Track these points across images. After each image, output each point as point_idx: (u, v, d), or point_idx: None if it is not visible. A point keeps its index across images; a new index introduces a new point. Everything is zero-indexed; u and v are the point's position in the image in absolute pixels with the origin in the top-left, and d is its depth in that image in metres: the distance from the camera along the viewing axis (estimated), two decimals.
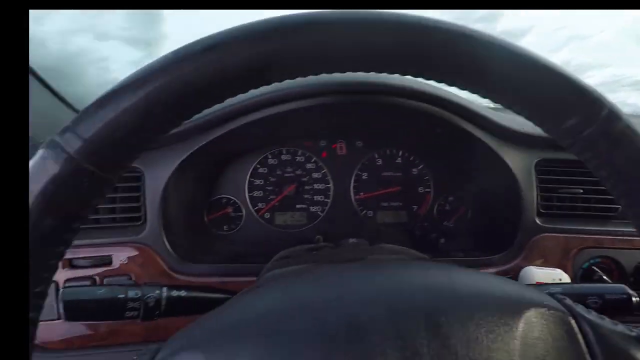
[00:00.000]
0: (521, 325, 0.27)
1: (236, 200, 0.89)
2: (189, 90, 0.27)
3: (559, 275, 0.76)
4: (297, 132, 0.86)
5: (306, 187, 0.91)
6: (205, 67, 0.27)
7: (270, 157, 0.89)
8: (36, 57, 0.70)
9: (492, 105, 0.95)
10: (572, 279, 0.78)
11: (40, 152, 0.26)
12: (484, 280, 0.32)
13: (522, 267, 0.78)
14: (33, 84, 0.74)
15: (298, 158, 0.90)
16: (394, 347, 0.25)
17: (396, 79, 0.66)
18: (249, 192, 0.89)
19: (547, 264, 0.79)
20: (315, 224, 0.92)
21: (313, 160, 0.91)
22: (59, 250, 0.29)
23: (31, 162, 0.27)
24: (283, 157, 0.90)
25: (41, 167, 0.26)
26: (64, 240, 0.29)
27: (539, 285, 0.65)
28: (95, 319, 0.47)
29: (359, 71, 0.29)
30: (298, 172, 0.90)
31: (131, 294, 0.49)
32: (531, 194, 0.78)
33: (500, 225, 0.85)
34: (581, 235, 0.78)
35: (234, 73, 0.27)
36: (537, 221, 0.78)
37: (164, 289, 0.51)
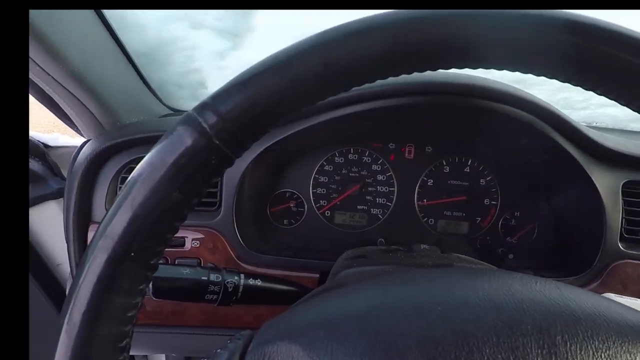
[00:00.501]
0: None
1: (299, 195, 0.89)
2: (329, 72, 0.27)
3: None
4: (367, 133, 0.85)
5: (369, 189, 0.90)
6: (350, 50, 0.27)
7: (337, 155, 0.89)
8: (134, 41, 0.74)
9: (582, 122, 0.90)
10: None
11: (177, 127, 0.27)
12: (600, 302, 0.30)
13: (598, 293, 0.73)
14: (127, 68, 0.78)
15: (365, 159, 0.89)
16: None
17: (487, 80, 0.63)
18: (312, 189, 0.89)
19: (626, 292, 0.73)
20: (375, 227, 0.91)
21: (380, 162, 0.89)
22: (176, 225, 0.30)
23: (167, 135, 0.28)
24: (350, 156, 0.89)
25: (177, 140, 0.27)
26: (182, 215, 0.30)
27: None
28: (178, 298, 0.49)
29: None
30: (363, 172, 0.90)
31: (213, 277, 0.50)
32: (616, 216, 0.72)
33: (575, 246, 0.80)
34: None
35: (379, 57, 0.27)
36: (620, 246, 0.73)
37: (242, 276, 0.52)
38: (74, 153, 0.72)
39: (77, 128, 0.77)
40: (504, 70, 0.30)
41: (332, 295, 0.35)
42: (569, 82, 0.30)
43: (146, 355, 1.24)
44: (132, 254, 0.28)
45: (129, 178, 0.28)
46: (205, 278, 0.49)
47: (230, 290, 0.51)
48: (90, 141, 0.70)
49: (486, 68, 0.30)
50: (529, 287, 0.30)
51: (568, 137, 0.68)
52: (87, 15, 0.66)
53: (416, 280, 0.33)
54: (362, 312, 0.29)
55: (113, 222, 0.27)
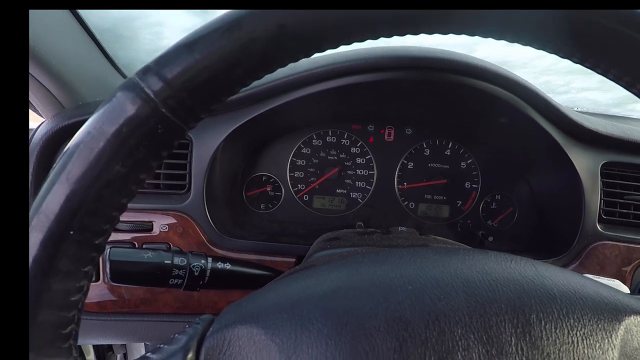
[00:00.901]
0: (620, 332, 0.24)
1: (276, 179, 0.86)
2: (283, 37, 0.24)
3: (618, 287, 0.70)
4: (346, 113, 0.83)
5: (349, 172, 0.88)
6: (307, 13, 0.24)
7: (315, 137, 0.86)
8: (95, 17, 0.69)
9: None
10: (631, 291, 0.73)
11: (117, 93, 0.24)
12: (576, 280, 0.29)
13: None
14: (87, 44, 0.73)
15: (344, 141, 0.87)
16: (478, 342, 0.22)
17: (467, 56, 0.61)
18: (290, 172, 0.86)
19: (604, 273, 0.73)
20: (354, 211, 0.89)
21: (359, 144, 0.87)
22: (123, 202, 0.27)
23: (106, 102, 0.25)
24: (328, 139, 0.86)
25: (117, 108, 0.24)
26: (130, 191, 0.27)
27: None
28: (139, 282, 0.45)
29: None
30: (342, 155, 0.87)
31: (177, 260, 0.47)
32: (594, 197, 0.72)
33: (555, 228, 0.80)
34: None
35: (337, 22, 0.25)
36: (598, 227, 0.72)
37: (209, 259, 0.49)
38: (30, 134, 0.67)
39: (35, 108, 0.72)
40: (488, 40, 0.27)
41: (298, 277, 0.33)
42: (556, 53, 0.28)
43: (124, 344, 1.21)
44: (72, 232, 0.25)
45: (64, 149, 0.25)
46: (169, 262, 0.46)
47: (196, 274, 0.48)
48: (46, 121, 0.66)
49: (471, 35, 0.27)
50: (503, 266, 0.29)
51: (547, 117, 0.67)
52: None
53: (386, 260, 0.31)
54: (328, 292, 0.27)
55: (47, 198, 0.24)
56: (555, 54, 0.28)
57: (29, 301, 0.24)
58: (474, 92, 0.62)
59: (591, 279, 0.30)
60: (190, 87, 0.25)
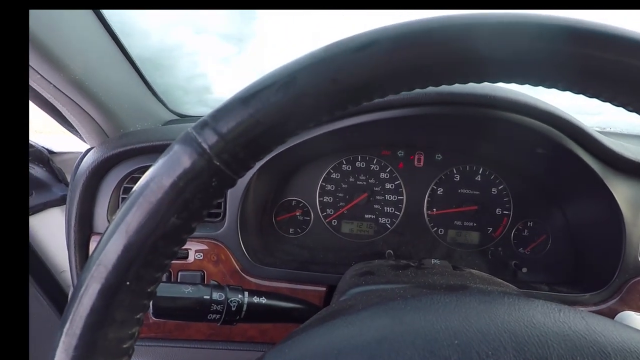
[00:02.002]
0: None
1: (306, 204, 0.87)
2: (336, 89, 0.25)
3: None
4: (376, 141, 0.83)
5: (377, 198, 0.88)
6: (358, 67, 0.25)
7: (344, 163, 0.87)
8: (137, 47, 0.73)
9: (596, 128, 0.86)
10: None
11: (175, 147, 0.26)
12: (631, 336, 0.27)
13: (616, 311, 0.70)
14: (130, 74, 0.77)
15: (373, 166, 0.87)
16: None
17: (505, 90, 0.61)
18: (319, 197, 0.87)
19: None
20: (383, 237, 0.89)
21: (388, 169, 0.87)
22: (175, 250, 0.28)
23: (165, 156, 0.26)
24: (358, 164, 0.87)
25: (175, 162, 0.26)
26: (181, 240, 0.28)
27: None
28: (180, 318, 0.47)
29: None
30: (371, 180, 0.87)
31: (215, 295, 0.48)
32: (636, 230, 0.69)
33: (593, 260, 0.77)
34: None
35: (390, 73, 0.25)
36: None
37: (246, 294, 0.50)
38: (76, 161, 0.71)
39: (81, 136, 0.75)
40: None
41: (340, 323, 0.33)
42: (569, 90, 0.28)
43: None
44: (128, 283, 0.26)
45: (125, 200, 0.26)
46: (208, 297, 0.47)
47: (233, 309, 0.49)
48: (93, 150, 0.69)
49: (506, 82, 0.28)
50: (552, 318, 0.28)
51: (586, 147, 0.65)
52: (88, 21, 0.64)
53: (430, 308, 0.31)
54: (373, 343, 0.27)
55: (106, 249, 0.26)
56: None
57: (80, 349, 0.25)
58: (509, 125, 0.62)
59: None
60: (244, 141, 0.26)
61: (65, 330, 0.26)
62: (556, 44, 0.24)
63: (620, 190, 0.69)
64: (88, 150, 0.71)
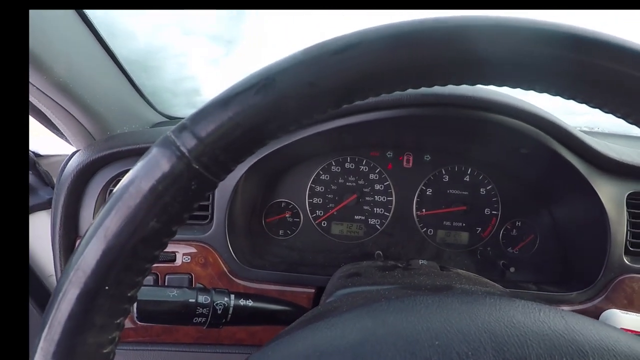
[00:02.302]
0: None
1: (295, 205, 0.87)
2: (315, 92, 0.25)
3: None
4: (365, 142, 0.83)
5: (367, 199, 0.88)
6: (336, 70, 0.25)
7: (334, 164, 0.87)
8: (124, 49, 0.72)
9: (578, 128, 0.87)
10: None
11: (153, 150, 0.26)
12: (609, 334, 0.28)
13: (602, 309, 0.71)
14: (117, 76, 0.76)
15: (362, 167, 0.87)
16: None
17: (487, 91, 0.61)
18: (308, 199, 0.87)
19: (632, 308, 0.71)
20: (372, 238, 0.89)
21: (377, 170, 0.87)
22: (156, 254, 0.28)
23: (143, 160, 0.26)
24: (347, 165, 0.87)
25: (153, 165, 0.25)
26: (162, 243, 0.28)
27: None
28: (165, 321, 0.47)
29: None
30: (360, 182, 0.87)
31: (201, 299, 0.48)
32: (620, 228, 0.70)
33: (579, 259, 0.78)
34: None
35: (369, 76, 0.25)
36: (625, 260, 0.71)
37: (232, 297, 0.50)
38: (62, 164, 0.70)
39: (67, 138, 0.75)
40: None
41: (323, 325, 0.33)
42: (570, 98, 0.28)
43: None
44: (107, 287, 0.26)
45: (104, 204, 0.26)
46: (193, 300, 0.47)
47: (219, 312, 0.48)
48: (78, 152, 0.68)
49: (485, 84, 0.28)
50: (532, 317, 0.28)
51: (570, 148, 0.66)
52: (72, 23, 0.64)
53: (412, 310, 0.31)
54: (355, 345, 0.27)
55: (85, 253, 0.25)
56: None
57: (59, 355, 0.25)
58: (494, 126, 0.62)
59: (625, 334, 0.30)
60: (223, 144, 0.25)
61: (43, 335, 0.25)
62: (542, 48, 0.25)
63: (605, 190, 0.70)
64: (74, 153, 0.70)
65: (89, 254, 0.25)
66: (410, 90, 0.61)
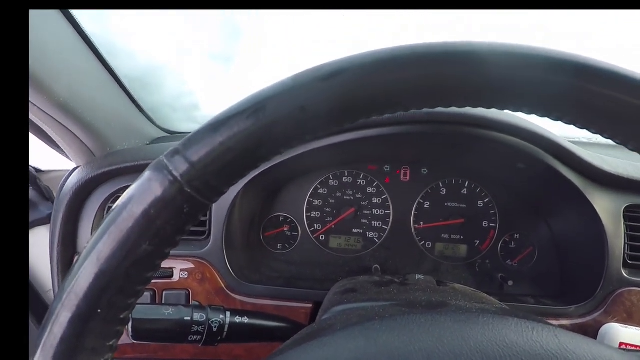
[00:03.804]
0: None
1: (293, 219, 0.87)
2: (306, 117, 0.26)
3: None
4: (362, 156, 0.84)
5: (365, 212, 0.88)
6: (326, 95, 0.26)
7: (331, 178, 0.87)
8: (125, 67, 0.74)
9: (577, 139, 0.88)
10: None
11: (146, 174, 0.26)
12: (601, 354, 0.28)
13: (601, 323, 0.71)
14: (117, 93, 0.78)
15: (360, 181, 0.88)
16: None
17: (481, 109, 0.62)
18: (306, 212, 0.87)
19: (631, 321, 0.71)
20: (371, 251, 0.89)
21: (375, 184, 0.88)
22: (148, 276, 0.28)
23: (137, 183, 0.26)
24: (344, 179, 0.88)
25: (146, 189, 0.26)
26: (155, 265, 0.28)
27: (636, 351, 0.58)
28: (160, 340, 0.47)
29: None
30: (358, 195, 0.88)
31: (196, 316, 0.48)
32: (618, 241, 0.70)
33: (577, 272, 0.78)
34: None
35: (358, 101, 0.26)
36: (623, 273, 0.70)
37: (228, 314, 0.50)
38: (62, 180, 0.71)
39: (67, 155, 0.76)
40: None
41: (316, 345, 0.33)
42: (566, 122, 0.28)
43: None
44: (99, 311, 0.26)
45: (97, 227, 0.26)
46: (189, 318, 0.47)
47: (215, 330, 0.48)
48: (78, 169, 0.69)
49: (473, 107, 0.28)
50: (525, 337, 0.28)
51: (565, 162, 0.67)
52: (72, 43, 0.65)
53: (404, 329, 0.31)
54: None
55: (78, 277, 0.26)
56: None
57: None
58: (490, 142, 0.63)
59: (618, 352, 0.30)
60: (215, 168, 0.26)
61: (36, 359, 0.26)
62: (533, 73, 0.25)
63: (601, 203, 0.70)
64: (74, 170, 0.71)
65: (82, 278, 0.26)
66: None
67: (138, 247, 0.26)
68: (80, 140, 0.71)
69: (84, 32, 0.67)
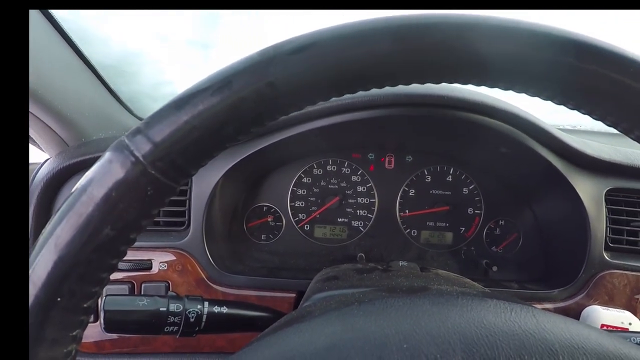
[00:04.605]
0: None
1: (277, 209, 0.86)
2: (274, 93, 0.25)
3: (629, 319, 0.68)
4: (346, 144, 0.83)
5: (350, 201, 0.87)
6: (295, 70, 0.24)
7: (315, 167, 0.86)
8: (98, 54, 0.71)
9: (561, 126, 0.88)
10: None
11: (106, 155, 0.25)
12: (580, 332, 0.28)
13: (584, 305, 0.71)
14: (90, 81, 0.75)
15: (344, 170, 0.87)
16: None
17: (463, 91, 0.61)
18: (290, 202, 0.86)
19: (612, 304, 0.72)
20: (356, 240, 0.88)
21: (359, 172, 0.87)
22: (113, 263, 0.27)
23: (97, 165, 0.25)
24: (329, 167, 0.86)
25: (106, 171, 0.25)
26: (119, 252, 0.27)
27: (617, 332, 0.58)
28: (134, 332, 0.45)
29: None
30: (343, 184, 0.87)
31: (173, 307, 0.46)
32: (600, 225, 0.71)
33: (560, 256, 0.78)
34: None
35: (329, 76, 0.25)
36: (605, 256, 0.71)
37: (206, 304, 0.49)
38: (33, 172, 0.68)
39: (39, 145, 0.73)
40: None
41: (294, 331, 0.32)
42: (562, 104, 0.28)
43: None
44: (59, 299, 0.25)
45: (55, 214, 0.25)
46: (165, 309, 0.46)
47: (192, 320, 0.47)
48: (49, 160, 0.66)
49: (438, 83, 0.27)
50: (503, 318, 0.28)
51: (548, 146, 0.66)
52: (40, 29, 0.62)
53: (382, 312, 0.30)
54: (322, 351, 0.27)
55: (35, 265, 0.24)
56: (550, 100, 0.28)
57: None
58: (472, 125, 0.62)
59: (596, 330, 0.29)
60: (179, 147, 0.25)
61: None
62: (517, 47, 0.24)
63: (584, 187, 0.70)
64: (45, 161, 0.69)
65: (40, 265, 0.24)
66: (387, 91, 0.61)
67: (99, 232, 0.25)
68: (52, 130, 0.68)
69: (53, 18, 0.64)
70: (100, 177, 0.25)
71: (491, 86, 0.27)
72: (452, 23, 0.25)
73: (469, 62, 0.25)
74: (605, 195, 0.71)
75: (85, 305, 0.27)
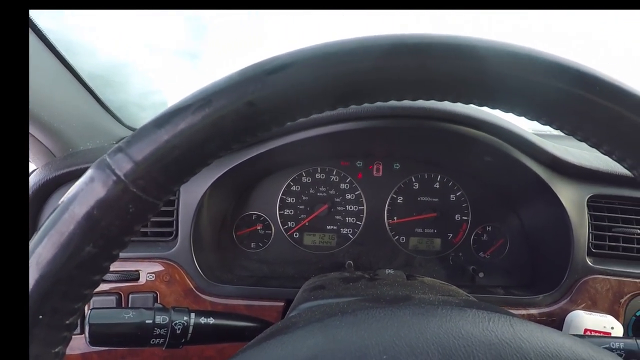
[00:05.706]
0: None
1: (266, 218, 0.86)
2: (254, 111, 0.25)
3: (611, 323, 0.70)
4: (334, 152, 0.84)
5: (338, 208, 0.88)
6: (274, 89, 0.25)
7: (304, 175, 0.87)
8: (86, 64, 0.71)
9: (543, 132, 0.89)
10: (624, 327, 0.72)
11: (88, 172, 0.25)
12: (554, 341, 0.28)
13: (568, 310, 0.73)
14: (78, 91, 0.75)
15: (332, 178, 0.87)
16: None
17: (448, 104, 0.62)
18: (279, 210, 0.87)
19: (596, 308, 0.73)
20: (345, 247, 0.89)
21: (348, 180, 0.88)
22: (96, 279, 0.27)
23: (79, 183, 0.25)
24: (317, 175, 0.87)
25: (88, 189, 0.25)
26: (102, 268, 0.27)
27: (600, 336, 0.59)
28: (120, 344, 0.45)
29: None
30: (331, 192, 0.87)
31: (158, 319, 0.46)
32: (582, 231, 0.72)
33: (545, 262, 0.80)
34: (636, 280, 0.72)
35: (308, 94, 0.25)
36: (588, 261, 0.72)
37: (192, 315, 0.49)
38: None
39: None
40: None
41: (277, 343, 0.33)
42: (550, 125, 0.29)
43: None
44: (41, 317, 0.25)
45: (36, 232, 0.25)
46: (150, 321, 0.46)
47: (178, 332, 0.47)
48: (36, 171, 0.66)
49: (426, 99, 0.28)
50: (480, 327, 0.29)
51: (530, 154, 0.68)
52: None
53: (363, 323, 0.31)
54: None
55: None
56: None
57: None
58: (455, 136, 0.63)
59: (571, 338, 0.30)
60: (161, 165, 0.25)
61: None
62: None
63: (566, 194, 0.71)
64: (32, 172, 0.68)
65: None
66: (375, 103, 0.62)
67: (81, 249, 0.25)
68: (38, 140, 0.68)
69: (38, 29, 0.64)
70: (82, 195, 0.25)
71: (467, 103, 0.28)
72: (425, 44, 0.25)
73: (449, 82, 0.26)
74: (587, 201, 0.73)
75: (67, 322, 0.27)
